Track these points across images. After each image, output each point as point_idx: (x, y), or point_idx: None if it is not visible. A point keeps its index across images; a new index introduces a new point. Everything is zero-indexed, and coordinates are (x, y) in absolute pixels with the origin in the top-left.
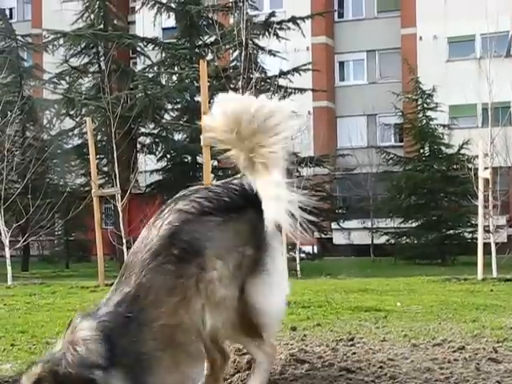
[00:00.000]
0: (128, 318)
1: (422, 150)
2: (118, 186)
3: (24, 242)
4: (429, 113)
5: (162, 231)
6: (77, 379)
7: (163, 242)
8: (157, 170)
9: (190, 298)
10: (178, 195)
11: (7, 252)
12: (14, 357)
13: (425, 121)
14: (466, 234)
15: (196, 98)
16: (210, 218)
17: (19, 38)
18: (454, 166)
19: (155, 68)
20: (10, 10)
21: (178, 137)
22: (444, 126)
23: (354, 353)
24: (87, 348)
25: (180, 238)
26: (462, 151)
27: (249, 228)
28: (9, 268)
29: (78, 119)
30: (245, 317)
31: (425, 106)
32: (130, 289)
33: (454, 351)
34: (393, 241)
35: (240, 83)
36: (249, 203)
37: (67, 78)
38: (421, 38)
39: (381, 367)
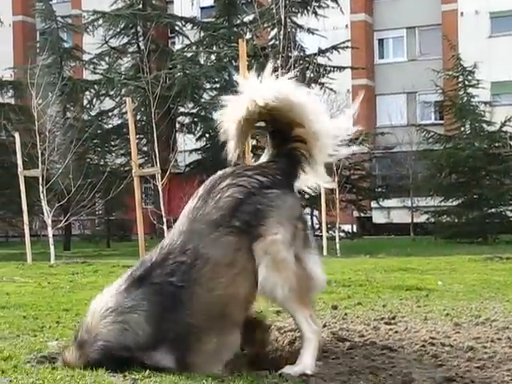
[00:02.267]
0: (181, 287)
1: (462, 128)
2: (158, 165)
3: (66, 221)
4: (470, 90)
5: (222, 203)
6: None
7: (224, 213)
8: (196, 150)
9: (248, 270)
10: (222, 173)
11: (50, 231)
12: (59, 334)
13: (466, 98)
14: (507, 213)
15: (234, 77)
16: (270, 191)
17: (59, 19)
18: (496, 144)
19: (194, 47)
20: None
21: (216, 116)
22: (485, 103)
23: (396, 331)
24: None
25: (243, 210)
26: (504, 128)
27: (298, 204)
28: (52, 247)
29: (117, 99)
30: (300, 281)
31: (466, 83)
32: (185, 258)
33: (498, 330)
34: (433, 219)
35: (279, 62)
36: (290, 184)
37: (107, 58)
38: (462, 13)
39: (423, 346)
